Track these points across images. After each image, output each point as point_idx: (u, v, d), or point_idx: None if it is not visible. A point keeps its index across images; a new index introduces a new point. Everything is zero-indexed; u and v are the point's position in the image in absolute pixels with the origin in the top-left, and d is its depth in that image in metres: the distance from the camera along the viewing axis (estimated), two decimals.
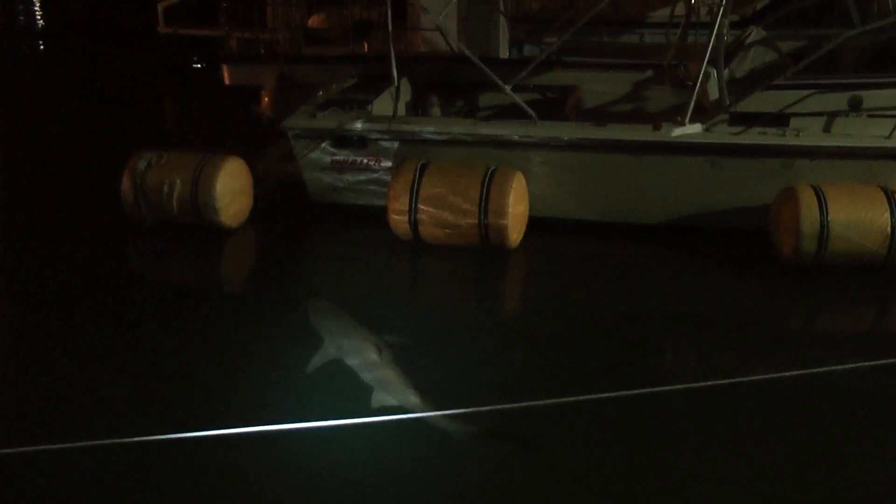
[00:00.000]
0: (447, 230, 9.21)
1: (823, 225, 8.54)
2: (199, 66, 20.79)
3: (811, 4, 12.91)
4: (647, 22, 17.89)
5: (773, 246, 9.15)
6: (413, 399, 6.51)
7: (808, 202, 8.61)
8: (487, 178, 9.09)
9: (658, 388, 6.49)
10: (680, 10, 13.36)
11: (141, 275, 9.41)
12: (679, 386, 6.65)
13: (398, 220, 9.31)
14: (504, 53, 15.82)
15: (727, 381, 6.56)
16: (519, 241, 9.39)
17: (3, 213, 10.88)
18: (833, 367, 6.87)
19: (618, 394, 6.27)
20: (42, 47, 27.98)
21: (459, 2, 12.65)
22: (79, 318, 8.01)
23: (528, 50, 16.71)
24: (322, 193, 10.37)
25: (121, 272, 9.22)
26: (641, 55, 13.44)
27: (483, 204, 9.00)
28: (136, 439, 5.47)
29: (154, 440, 5.56)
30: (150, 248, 9.81)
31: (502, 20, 15.64)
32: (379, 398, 6.53)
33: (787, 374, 6.72)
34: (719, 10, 9.46)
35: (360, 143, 9.96)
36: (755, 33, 10.97)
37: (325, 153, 10.09)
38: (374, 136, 9.94)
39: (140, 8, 27.97)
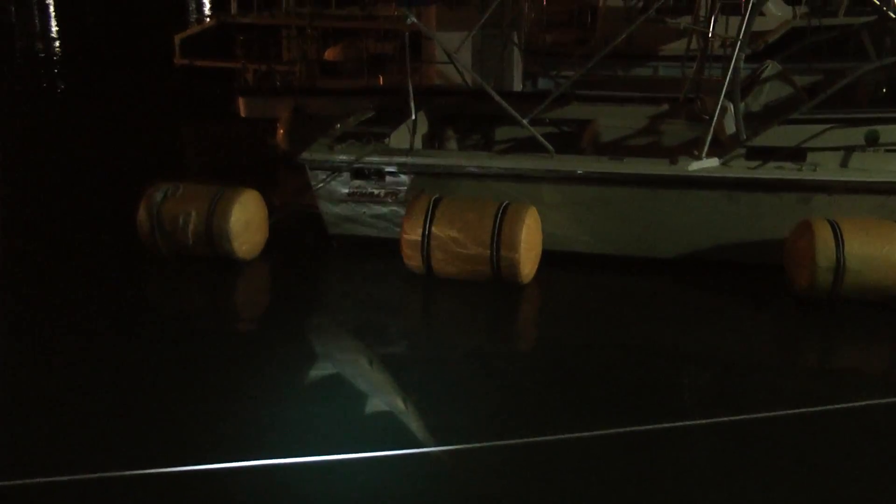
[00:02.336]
0: (460, 264, 9.19)
1: (839, 258, 8.49)
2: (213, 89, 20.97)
3: (826, 38, 12.94)
4: (661, 55, 17.95)
5: (789, 279, 9.09)
6: (401, 405, 6.57)
7: (823, 235, 8.57)
8: (500, 213, 9.08)
9: (673, 424, 6.46)
10: (694, 43, 13.40)
11: (154, 306, 9.42)
12: (694, 421, 6.62)
13: (411, 253, 9.30)
14: (518, 87, 15.87)
15: (743, 416, 6.53)
16: (532, 275, 9.35)
17: (19, 240, 10.93)
18: (850, 404, 6.83)
19: (632, 429, 6.25)
20: (58, 76, 28.23)
21: (474, 35, 12.69)
22: (90, 348, 8.04)
23: (542, 83, 16.76)
24: (339, 225, 10.36)
25: (134, 303, 9.23)
26: (656, 88, 13.46)
27: (495, 238, 8.98)
28: (136, 472, 5.49)
29: (152, 474, 5.57)
30: (164, 278, 9.83)
31: (516, 54, 15.70)
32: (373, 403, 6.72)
33: (803, 410, 6.70)
34: (736, 45, 9.46)
35: (377, 175, 9.95)
36: (771, 67, 10.96)
37: (342, 185, 10.09)
38: (391, 169, 9.94)
39: (157, 39, 28.27)
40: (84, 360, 7.84)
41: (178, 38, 22.82)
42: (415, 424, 6.74)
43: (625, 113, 11.87)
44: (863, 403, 6.90)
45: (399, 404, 7.06)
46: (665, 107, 11.88)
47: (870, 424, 6.78)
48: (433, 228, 9.15)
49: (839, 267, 8.50)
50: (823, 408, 6.82)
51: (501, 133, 11.99)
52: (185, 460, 6.01)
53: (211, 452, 6.23)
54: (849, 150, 9.43)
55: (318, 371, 7.59)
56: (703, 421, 6.64)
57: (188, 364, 7.72)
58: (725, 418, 6.61)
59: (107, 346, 8.11)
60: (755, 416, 6.62)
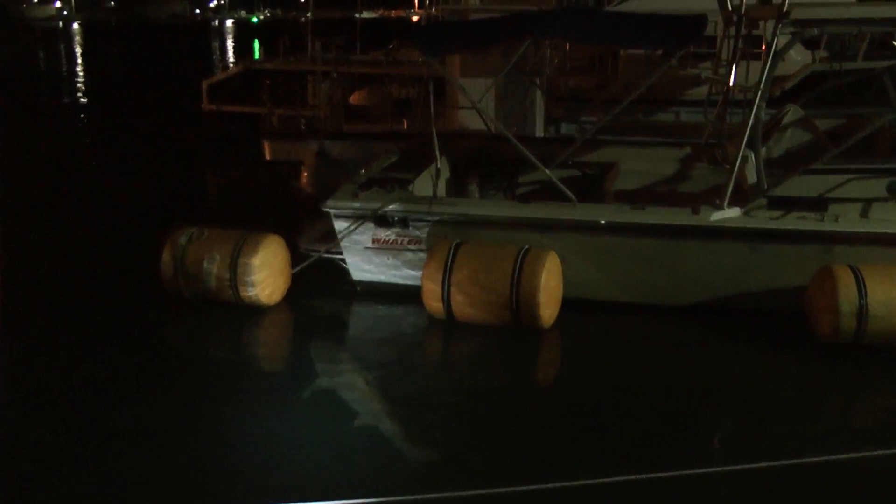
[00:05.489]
0: (480, 309, 9.22)
1: (862, 303, 8.45)
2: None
3: (846, 82, 12.94)
4: (682, 100, 18.01)
5: (811, 326, 9.05)
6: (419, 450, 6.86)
7: (845, 280, 8.54)
8: (520, 258, 9.11)
9: (693, 471, 6.43)
10: (716, 88, 13.44)
11: (175, 349, 9.44)
12: (715, 468, 6.58)
13: (432, 300, 9.35)
14: (540, 132, 15.95)
15: (766, 464, 6.49)
16: (552, 320, 9.36)
17: (42, 283, 11.04)
18: (875, 453, 6.77)
19: (653, 475, 6.22)
20: (85, 120, 28.67)
21: (497, 81, 12.81)
22: (112, 390, 8.13)
23: (565, 128, 16.84)
24: (362, 271, 10.43)
25: (156, 346, 9.29)
26: (677, 133, 13.50)
27: (515, 283, 9.00)
28: None
29: None
30: (186, 322, 9.90)
31: (539, 99, 15.80)
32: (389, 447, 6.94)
33: (828, 458, 6.64)
34: (756, 94, 9.49)
35: (401, 223, 10.03)
36: (792, 112, 10.98)
37: (366, 232, 10.16)
38: (414, 216, 10.02)
39: (184, 84, 28.68)
40: (105, 401, 7.93)
41: (205, 84, 23.15)
42: (431, 469, 6.74)
43: (647, 157, 11.89)
44: (888, 452, 6.83)
45: (417, 449, 7.07)
46: (687, 151, 11.91)
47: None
48: (454, 273, 9.19)
49: (862, 312, 8.47)
50: (847, 456, 6.76)
51: (524, 178, 12.05)
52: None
53: (225, 496, 6.32)
54: (870, 200, 9.42)
55: (337, 415, 7.62)
56: (725, 468, 6.60)
57: (207, 405, 7.82)
58: (748, 465, 6.56)
59: (128, 388, 8.20)
60: (778, 463, 6.57)
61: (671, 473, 6.34)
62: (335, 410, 7.79)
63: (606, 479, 6.26)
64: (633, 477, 6.32)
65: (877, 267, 8.78)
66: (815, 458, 6.66)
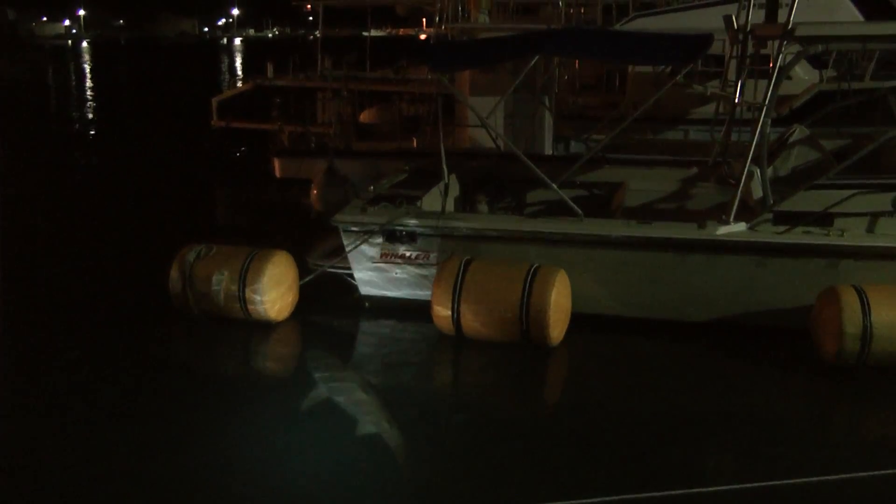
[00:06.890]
0: (489, 326, 9.25)
1: (866, 325, 8.46)
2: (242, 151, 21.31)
3: (854, 102, 12.99)
4: (690, 119, 18.06)
5: (816, 347, 9.04)
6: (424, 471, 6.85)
7: (849, 302, 8.54)
8: (530, 276, 9.15)
9: (699, 490, 6.44)
10: (723, 107, 13.50)
11: (183, 366, 9.43)
12: (721, 487, 6.58)
13: (441, 315, 9.38)
14: (549, 150, 16.01)
15: (771, 483, 6.50)
16: (561, 338, 9.39)
17: (50, 298, 11.10)
18: (878, 472, 6.77)
19: (658, 494, 6.23)
20: (95, 135, 28.82)
21: (506, 99, 12.88)
22: (121, 407, 8.17)
23: (573, 147, 16.89)
24: (370, 286, 10.48)
25: (164, 363, 9.30)
26: (685, 152, 13.55)
27: (525, 301, 9.04)
28: None
29: None
30: (194, 338, 9.95)
31: (548, 117, 15.87)
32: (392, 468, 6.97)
33: (833, 477, 6.65)
34: (762, 111, 9.56)
35: (409, 238, 10.09)
36: (798, 132, 11.04)
37: (374, 247, 10.23)
38: (423, 231, 10.08)
39: (193, 101, 28.82)
40: (111, 414, 7.99)
41: (215, 101, 23.28)
42: (431, 486, 6.75)
43: (654, 176, 11.96)
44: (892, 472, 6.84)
45: (419, 467, 7.09)
46: (694, 170, 11.96)
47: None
48: (463, 290, 9.23)
49: (866, 334, 8.47)
50: (851, 475, 6.77)
51: (532, 196, 12.13)
52: None
53: None
54: (876, 215, 9.46)
55: (342, 431, 7.64)
56: (731, 487, 6.60)
57: (214, 419, 7.85)
58: (753, 484, 6.57)
59: (135, 401, 8.26)
60: (784, 482, 6.58)
61: (673, 492, 6.36)
62: (340, 427, 7.81)
63: (609, 498, 6.28)
64: (635, 496, 6.33)
65: (881, 287, 8.79)
66: (819, 478, 6.67)
